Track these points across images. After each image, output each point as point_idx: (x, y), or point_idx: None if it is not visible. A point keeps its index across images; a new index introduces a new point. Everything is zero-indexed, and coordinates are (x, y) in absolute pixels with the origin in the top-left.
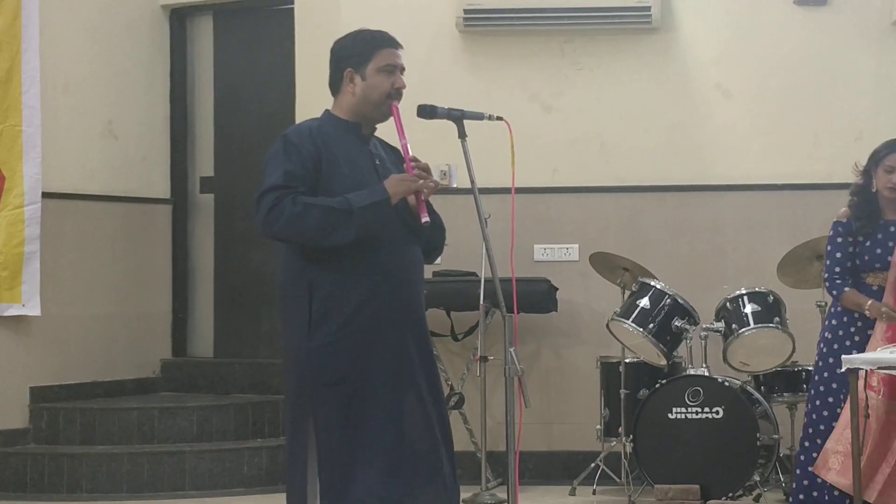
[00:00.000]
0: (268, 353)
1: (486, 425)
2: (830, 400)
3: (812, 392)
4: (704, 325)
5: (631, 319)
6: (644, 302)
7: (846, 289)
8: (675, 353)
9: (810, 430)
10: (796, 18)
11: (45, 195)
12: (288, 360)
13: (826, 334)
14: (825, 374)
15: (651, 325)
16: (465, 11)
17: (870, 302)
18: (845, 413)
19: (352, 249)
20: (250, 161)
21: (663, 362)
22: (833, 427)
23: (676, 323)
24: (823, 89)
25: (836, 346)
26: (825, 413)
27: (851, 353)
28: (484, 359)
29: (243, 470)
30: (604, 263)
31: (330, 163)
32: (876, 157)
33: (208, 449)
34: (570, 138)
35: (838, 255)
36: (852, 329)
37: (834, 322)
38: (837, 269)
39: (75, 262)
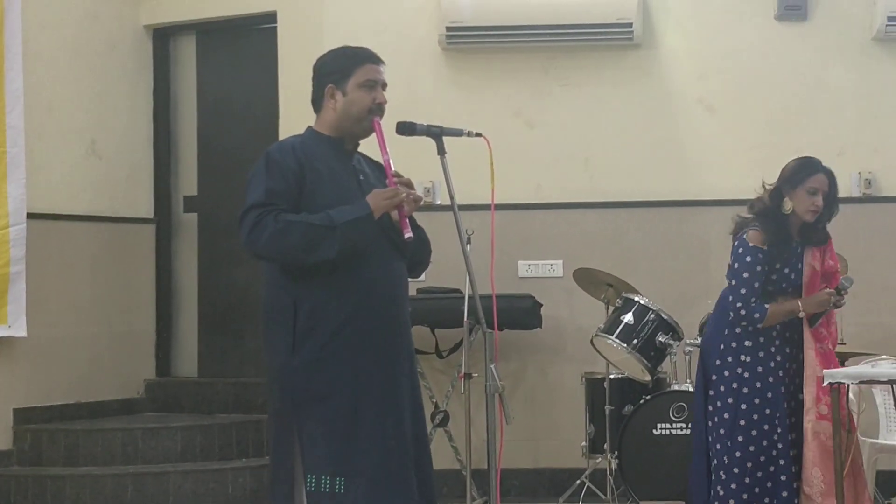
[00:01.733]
0: (252, 372)
1: (470, 442)
2: (766, 427)
3: (741, 423)
4: (689, 341)
5: (615, 335)
6: (628, 317)
7: (767, 307)
8: (659, 369)
9: (749, 465)
10: (777, 33)
11: (29, 215)
12: (272, 376)
13: (744, 357)
14: (756, 402)
15: (635, 341)
16: (448, 29)
17: (799, 301)
18: (810, 450)
19: (336, 266)
20: (234, 180)
21: (648, 378)
22: (771, 459)
23: (661, 338)
24: (805, 104)
25: (760, 370)
26: (765, 444)
27: (779, 375)
28: (468, 376)
29: (228, 490)
30: (588, 279)
31: (313, 179)
32: (794, 179)
33: (192, 469)
34: (554, 154)
35: (756, 284)
36: (773, 349)
37: (748, 343)
38: (754, 299)
39: (59, 282)
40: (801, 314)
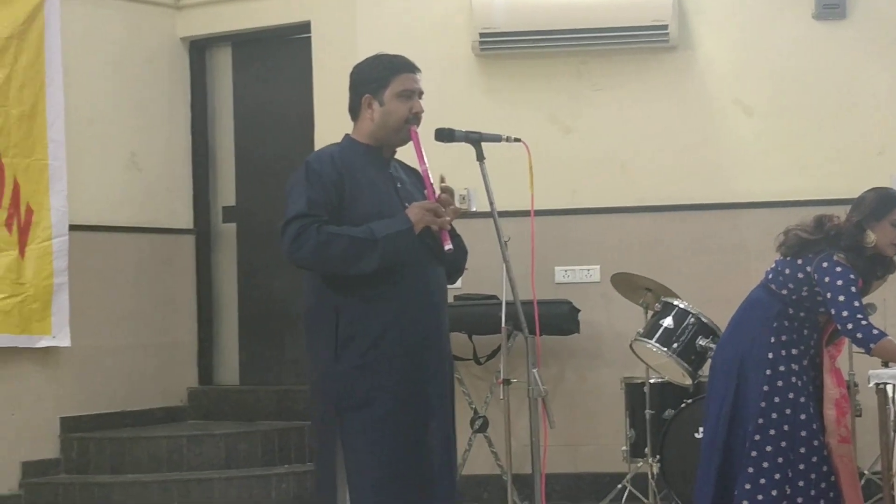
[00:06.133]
0: (292, 379)
1: (510, 448)
2: (814, 459)
3: (801, 451)
4: None
5: (655, 339)
6: (667, 321)
7: (887, 335)
8: (699, 373)
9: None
10: (815, 33)
11: (72, 227)
12: (314, 384)
13: (794, 380)
14: (814, 426)
15: (675, 345)
16: (481, 35)
17: None
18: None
19: (377, 275)
20: (271, 190)
21: (688, 382)
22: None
23: (701, 342)
24: (843, 104)
25: (802, 400)
26: (812, 476)
27: (809, 399)
28: (507, 382)
29: (271, 496)
30: (626, 284)
31: (352, 188)
32: (878, 211)
33: (236, 475)
34: (589, 159)
35: (857, 303)
36: (804, 363)
37: (794, 352)
38: (865, 320)
39: (101, 293)
40: None
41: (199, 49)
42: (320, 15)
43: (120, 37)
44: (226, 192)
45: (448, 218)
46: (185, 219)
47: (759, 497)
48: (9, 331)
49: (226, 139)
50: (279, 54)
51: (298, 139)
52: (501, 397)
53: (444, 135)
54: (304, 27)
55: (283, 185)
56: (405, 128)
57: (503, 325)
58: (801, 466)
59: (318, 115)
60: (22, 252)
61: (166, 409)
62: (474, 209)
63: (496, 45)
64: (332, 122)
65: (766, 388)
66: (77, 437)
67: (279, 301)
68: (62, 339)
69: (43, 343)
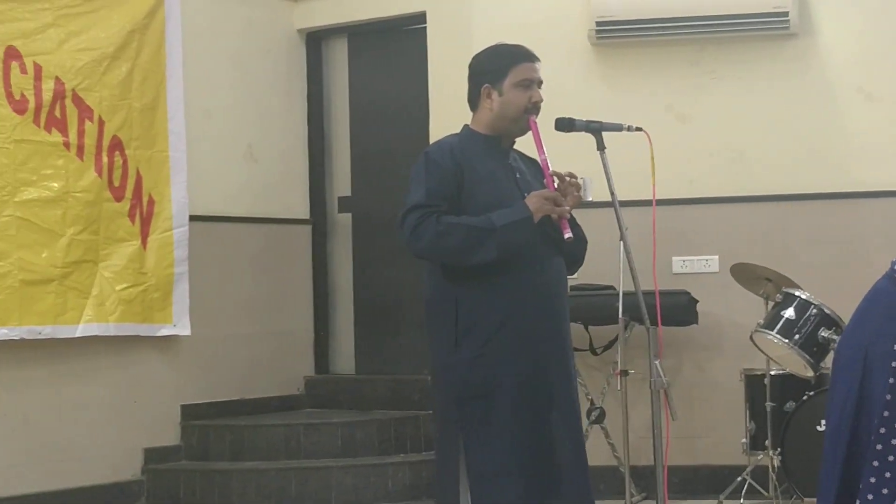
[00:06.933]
0: (408, 369)
1: (628, 440)
2: None
3: None
4: None
5: (776, 331)
6: (789, 312)
7: None
8: (822, 365)
9: None
10: None
11: (191, 218)
12: (435, 373)
13: None
14: None
15: (797, 336)
16: (598, 24)
17: None
18: None
19: (496, 265)
20: (386, 180)
21: (810, 374)
22: None
23: (823, 333)
24: None
25: None
26: None
27: None
28: (624, 373)
29: (387, 485)
30: (745, 274)
31: (471, 178)
32: None
33: (353, 464)
34: (707, 148)
35: None
36: None
37: None
38: None
39: (220, 282)
40: None
41: (316, 40)
42: (436, 5)
43: (238, 29)
44: (341, 183)
45: (567, 207)
46: (302, 209)
47: (885, 491)
48: (131, 319)
49: (341, 130)
50: (395, 45)
51: (413, 129)
52: (619, 388)
53: (564, 124)
54: (420, 17)
55: (398, 176)
56: (524, 117)
57: (620, 315)
58: None
59: (433, 106)
60: (144, 242)
61: (283, 397)
62: (590, 198)
63: (613, 33)
64: (447, 113)
65: (892, 380)
66: (197, 424)
67: (394, 290)
68: (182, 328)
69: (164, 332)
